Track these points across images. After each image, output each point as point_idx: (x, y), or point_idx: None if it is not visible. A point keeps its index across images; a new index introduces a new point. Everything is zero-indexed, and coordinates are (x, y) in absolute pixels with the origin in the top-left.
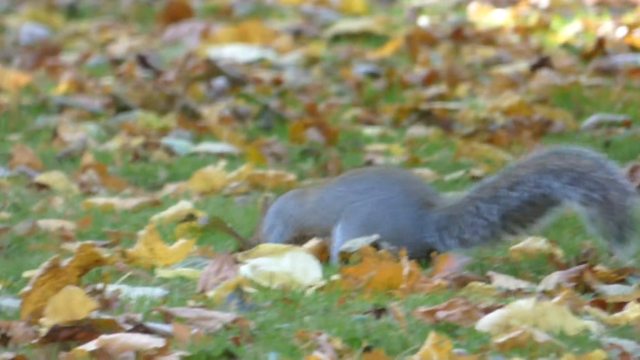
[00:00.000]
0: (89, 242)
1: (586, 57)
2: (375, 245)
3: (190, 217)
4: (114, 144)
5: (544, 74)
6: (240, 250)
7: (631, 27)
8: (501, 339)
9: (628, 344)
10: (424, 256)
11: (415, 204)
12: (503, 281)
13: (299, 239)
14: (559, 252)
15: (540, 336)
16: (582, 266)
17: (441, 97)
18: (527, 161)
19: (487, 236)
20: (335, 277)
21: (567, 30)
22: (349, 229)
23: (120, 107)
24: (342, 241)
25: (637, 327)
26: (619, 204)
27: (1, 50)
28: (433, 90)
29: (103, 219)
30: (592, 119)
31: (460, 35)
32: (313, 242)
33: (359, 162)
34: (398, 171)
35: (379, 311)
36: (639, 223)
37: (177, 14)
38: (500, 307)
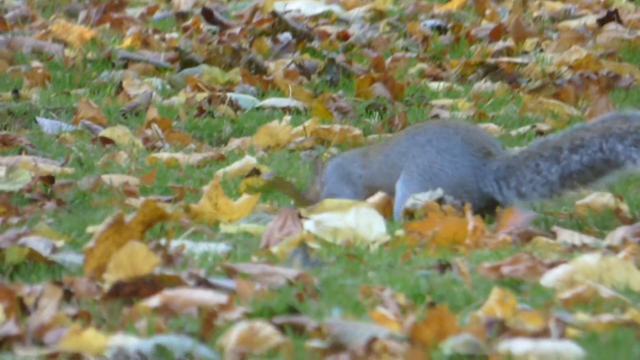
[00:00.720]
0: (152, 197)
1: None
2: (439, 200)
3: (255, 172)
4: (178, 99)
5: (611, 28)
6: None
7: None
8: (566, 294)
9: None
10: (484, 206)
11: (475, 153)
12: (568, 236)
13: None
14: (624, 207)
15: (605, 292)
16: None
17: (508, 52)
18: (592, 124)
19: (545, 193)
20: (399, 232)
21: None
22: (409, 180)
23: (185, 61)
24: (404, 194)
25: None
26: None
27: (67, 4)
28: (500, 44)
29: (167, 174)
30: None
31: None
32: (377, 197)
33: (425, 117)
34: (459, 122)
35: (443, 267)
36: None
37: None
38: (565, 262)
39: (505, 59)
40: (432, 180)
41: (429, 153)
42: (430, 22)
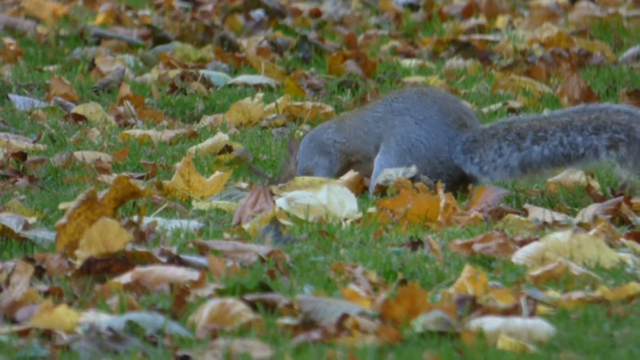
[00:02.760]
0: (125, 174)
1: None
2: (413, 178)
3: (227, 149)
4: (151, 76)
5: (583, 6)
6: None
7: None
8: (536, 271)
9: None
10: (459, 178)
11: (451, 123)
12: (539, 214)
13: (344, 170)
14: (595, 184)
15: (576, 269)
16: (618, 198)
17: (480, 29)
18: (558, 115)
19: (506, 175)
20: (371, 209)
21: None
22: (387, 152)
23: (157, 38)
24: (382, 167)
25: None
26: None
27: None
28: (472, 22)
29: (140, 150)
30: (631, 51)
31: None
32: (350, 175)
33: None
34: (436, 91)
35: (415, 244)
36: None
37: None
38: (536, 239)
39: (477, 36)
40: (410, 152)
41: (407, 124)
42: None
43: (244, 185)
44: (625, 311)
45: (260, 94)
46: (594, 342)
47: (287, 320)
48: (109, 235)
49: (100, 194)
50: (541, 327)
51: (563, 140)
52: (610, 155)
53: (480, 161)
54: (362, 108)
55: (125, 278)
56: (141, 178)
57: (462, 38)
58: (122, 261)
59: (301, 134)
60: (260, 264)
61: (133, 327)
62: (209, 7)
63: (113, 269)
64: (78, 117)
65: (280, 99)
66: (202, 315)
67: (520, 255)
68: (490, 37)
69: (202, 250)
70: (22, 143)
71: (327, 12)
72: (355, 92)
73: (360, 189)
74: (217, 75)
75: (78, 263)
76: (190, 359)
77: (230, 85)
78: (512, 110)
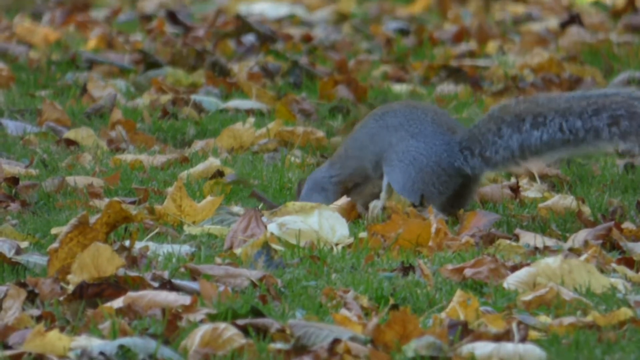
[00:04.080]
0: (117, 198)
1: (616, 14)
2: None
3: (219, 173)
4: (143, 101)
5: (573, 31)
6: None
7: None
8: (528, 296)
9: None
10: (462, 183)
11: (445, 131)
12: (530, 239)
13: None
14: (586, 209)
15: (567, 294)
16: (609, 224)
17: (471, 54)
18: (557, 100)
19: (507, 156)
20: (362, 234)
21: None
22: (392, 172)
23: (149, 63)
24: (393, 185)
25: None
26: None
27: (32, 6)
28: (463, 47)
29: (131, 175)
30: (622, 76)
31: None
32: (342, 201)
33: None
34: (425, 104)
35: (406, 269)
36: None
37: None
38: (527, 264)
39: (468, 61)
40: (412, 165)
41: (404, 139)
42: (394, 24)
43: (237, 209)
44: (616, 336)
45: (251, 119)
46: None
47: (279, 345)
48: (101, 259)
49: (92, 219)
50: (533, 352)
51: (563, 126)
52: (613, 132)
53: (481, 150)
54: (349, 133)
55: (118, 303)
56: (133, 203)
57: (453, 63)
58: (114, 286)
59: (292, 159)
60: (252, 288)
61: (125, 352)
62: (200, 33)
63: (105, 293)
64: (70, 142)
65: (272, 124)
66: (194, 340)
67: (511, 281)
68: (481, 62)
69: (193, 274)
70: (14, 168)
71: (318, 37)
72: (347, 117)
73: (353, 216)
74: (209, 100)
75: (70, 288)
76: None
77: (221, 110)
78: None
